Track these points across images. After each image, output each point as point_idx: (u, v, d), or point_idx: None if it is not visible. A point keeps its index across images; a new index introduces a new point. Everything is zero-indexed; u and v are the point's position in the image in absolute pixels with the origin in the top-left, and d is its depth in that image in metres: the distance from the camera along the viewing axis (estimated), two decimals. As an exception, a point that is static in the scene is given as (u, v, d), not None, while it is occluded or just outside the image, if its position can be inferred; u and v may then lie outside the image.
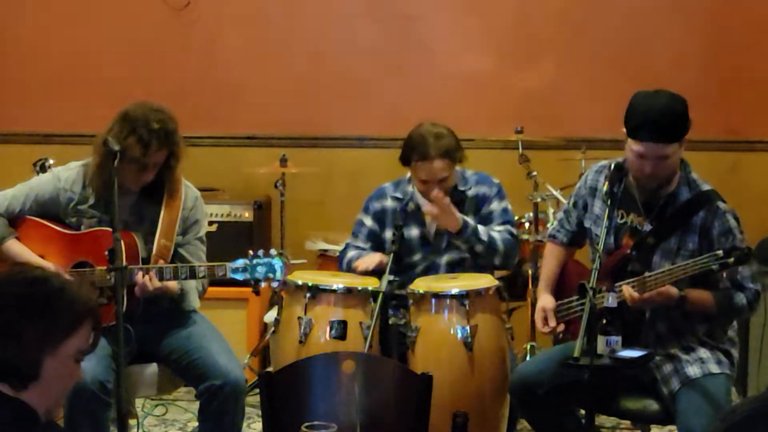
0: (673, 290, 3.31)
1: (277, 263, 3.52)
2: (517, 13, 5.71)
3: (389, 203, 4.18)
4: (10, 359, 2.03)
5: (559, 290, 3.71)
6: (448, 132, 4.05)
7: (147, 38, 5.80)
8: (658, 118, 3.31)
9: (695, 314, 3.40)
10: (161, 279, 3.56)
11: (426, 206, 4.01)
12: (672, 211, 3.43)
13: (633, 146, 3.35)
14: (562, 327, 3.60)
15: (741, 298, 3.38)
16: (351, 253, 4.17)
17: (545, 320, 3.61)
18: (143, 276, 3.51)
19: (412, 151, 4.03)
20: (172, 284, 3.61)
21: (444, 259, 4.08)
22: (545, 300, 3.67)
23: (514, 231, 4.13)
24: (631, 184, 3.49)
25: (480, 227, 4.01)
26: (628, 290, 3.31)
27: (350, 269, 4.12)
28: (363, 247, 4.17)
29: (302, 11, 5.79)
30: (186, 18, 5.78)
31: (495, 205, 4.11)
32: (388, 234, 4.13)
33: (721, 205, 3.40)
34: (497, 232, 4.04)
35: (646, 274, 3.35)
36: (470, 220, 4.01)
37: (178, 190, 3.73)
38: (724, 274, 3.33)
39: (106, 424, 3.45)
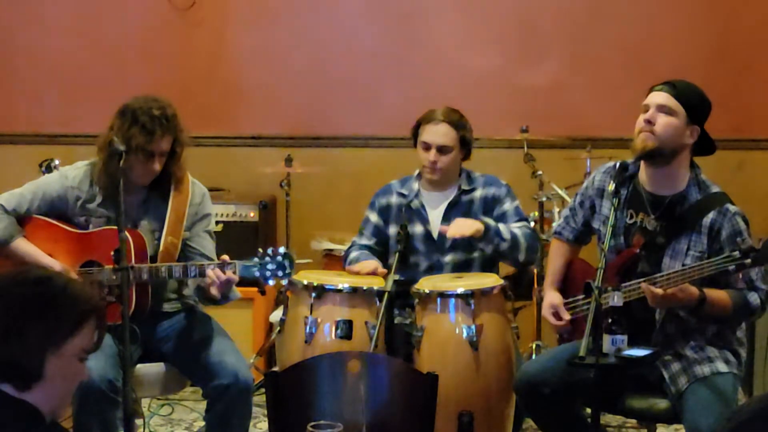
0: (694, 289, 3.28)
1: (287, 261, 3.52)
2: (522, 12, 5.71)
3: (394, 199, 4.19)
4: (14, 359, 2.03)
5: (565, 288, 3.71)
6: (464, 116, 4.10)
7: (152, 38, 5.81)
8: (673, 79, 3.41)
9: (710, 317, 3.37)
10: (170, 277, 3.56)
11: (448, 233, 3.94)
12: (681, 212, 3.42)
13: (643, 103, 3.40)
14: (569, 324, 3.60)
15: (755, 298, 3.36)
16: (352, 255, 4.17)
17: (556, 315, 3.61)
18: (213, 271, 3.48)
19: (422, 118, 4.10)
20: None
21: (447, 259, 4.07)
22: (552, 296, 3.66)
23: (531, 226, 4.15)
24: (640, 184, 3.49)
25: (501, 225, 3.99)
26: (649, 288, 3.28)
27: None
28: (368, 243, 4.17)
29: (307, 11, 5.80)
30: (191, 18, 5.78)
31: (508, 205, 4.10)
32: (392, 230, 4.12)
33: (730, 207, 3.39)
34: (517, 228, 4.03)
35: (658, 274, 3.33)
36: (490, 221, 3.98)
37: (184, 179, 3.74)
38: (741, 275, 3.32)
39: (114, 423, 3.45)
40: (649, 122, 3.36)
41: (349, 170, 5.74)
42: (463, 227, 3.89)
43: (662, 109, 3.36)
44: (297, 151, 5.46)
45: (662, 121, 3.36)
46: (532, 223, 4.99)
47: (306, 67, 5.79)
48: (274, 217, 5.60)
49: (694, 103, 3.39)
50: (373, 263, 4.03)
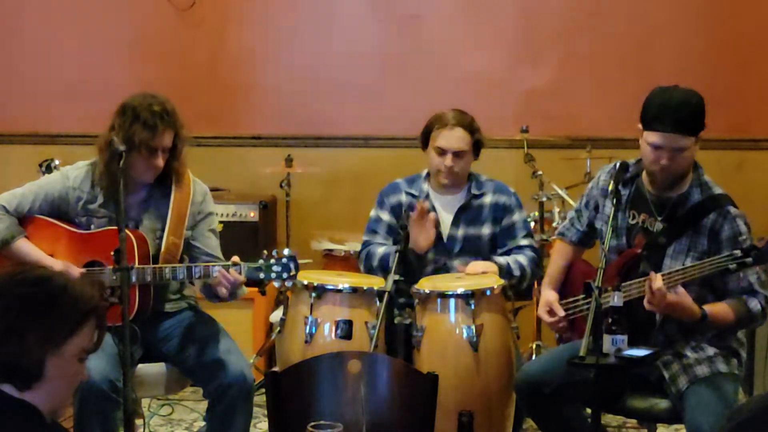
0: (696, 309, 3.29)
1: (292, 263, 3.51)
2: (522, 13, 5.71)
3: (404, 198, 4.17)
4: (13, 360, 2.03)
5: (565, 289, 3.71)
6: (473, 118, 4.10)
7: (152, 38, 5.82)
8: (677, 109, 3.31)
9: (713, 329, 3.38)
10: (174, 278, 3.56)
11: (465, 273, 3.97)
12: (683, 212, 3.42)
13: (649, 138, 3.34)
14: (565, 323, 3.59)
15: (755, 304, 3.36)
16: (380, 250, 4.09)
17: (550, 312, 3.61)
18: (220, 271, 3.47)
19: (434, 122, 4.08)
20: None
21: (455, 263, 4.07)
22: (547, 294, 3.67)
23: (535, 243, 4.16)
24: (643, 185, 3.48)
25: (510, 261, 4.02)
26: (657, 280, 3.25)
27: (384, 265, 4.03)
28: (383, 243, 4.14)
29: (307, 11, 5.80)
30: (191, 18, 5.78)
31: (516, 217, 4.12)
32: None
33: (731, 209, 3.39)
34: (523, 256, 4.05)
35: (659, 273, 3.33)
36: (502, 261, 4.01)
37: (185, 176, 3.73)
38: (741, 275, 3.31)
39: (115, 423, 3.45)
40: (671, 163, 3.34)
41: (349, 170, 5.74)
42: (480, 271, 3.94)
43: (680, 150, 3.33)
44: (297, 151, 5.46)
45: (681, 161, 3.35)
46: (532, 224, 5.00)
47: (306, 67, 5.79)
48: (274, 217, 5.60)
49: (700, 125, 3.37)
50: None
